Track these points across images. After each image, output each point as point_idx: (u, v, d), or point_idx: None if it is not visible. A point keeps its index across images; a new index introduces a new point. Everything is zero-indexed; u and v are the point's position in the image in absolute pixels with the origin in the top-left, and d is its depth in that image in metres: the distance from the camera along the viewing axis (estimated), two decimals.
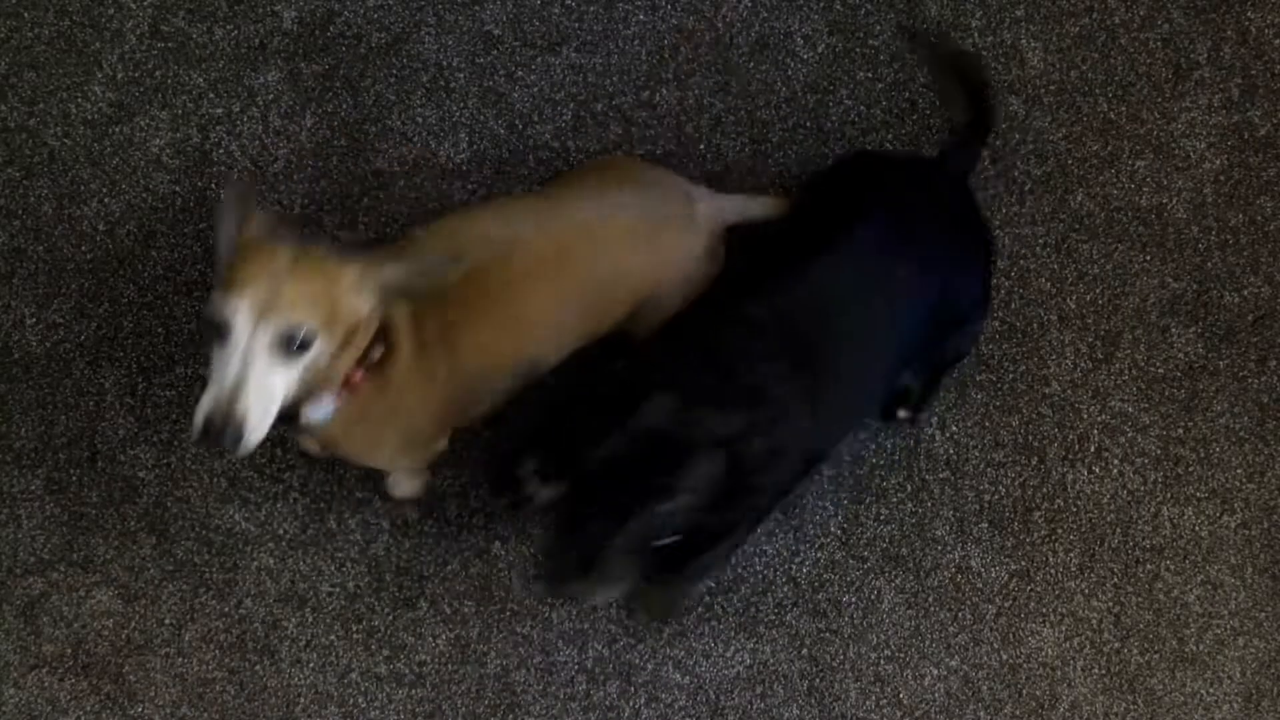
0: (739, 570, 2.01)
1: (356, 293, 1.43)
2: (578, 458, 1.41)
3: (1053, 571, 2.04)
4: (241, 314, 1.36)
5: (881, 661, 2.02)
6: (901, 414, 1.99)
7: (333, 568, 1.98)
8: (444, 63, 2.04)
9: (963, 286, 1.74)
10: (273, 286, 1.37)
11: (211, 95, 2.02)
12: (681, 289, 1.70)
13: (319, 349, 1.40)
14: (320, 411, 1.52)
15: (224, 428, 1.35)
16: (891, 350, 1.65)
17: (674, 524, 1.42)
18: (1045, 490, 2.05)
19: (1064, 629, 2.04)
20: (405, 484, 1.93)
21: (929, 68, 2.02)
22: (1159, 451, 2.06)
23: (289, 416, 1.48)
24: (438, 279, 1.45)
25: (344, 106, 2.02)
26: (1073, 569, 2.04)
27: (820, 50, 2.07)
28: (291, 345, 1.38)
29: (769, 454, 1.44)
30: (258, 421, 1.37)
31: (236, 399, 1.36)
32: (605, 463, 1.39)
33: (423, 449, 1.77)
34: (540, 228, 1.64)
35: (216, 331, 1.37)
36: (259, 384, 1.37)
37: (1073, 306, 2.06)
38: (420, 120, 2.02)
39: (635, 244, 1.67)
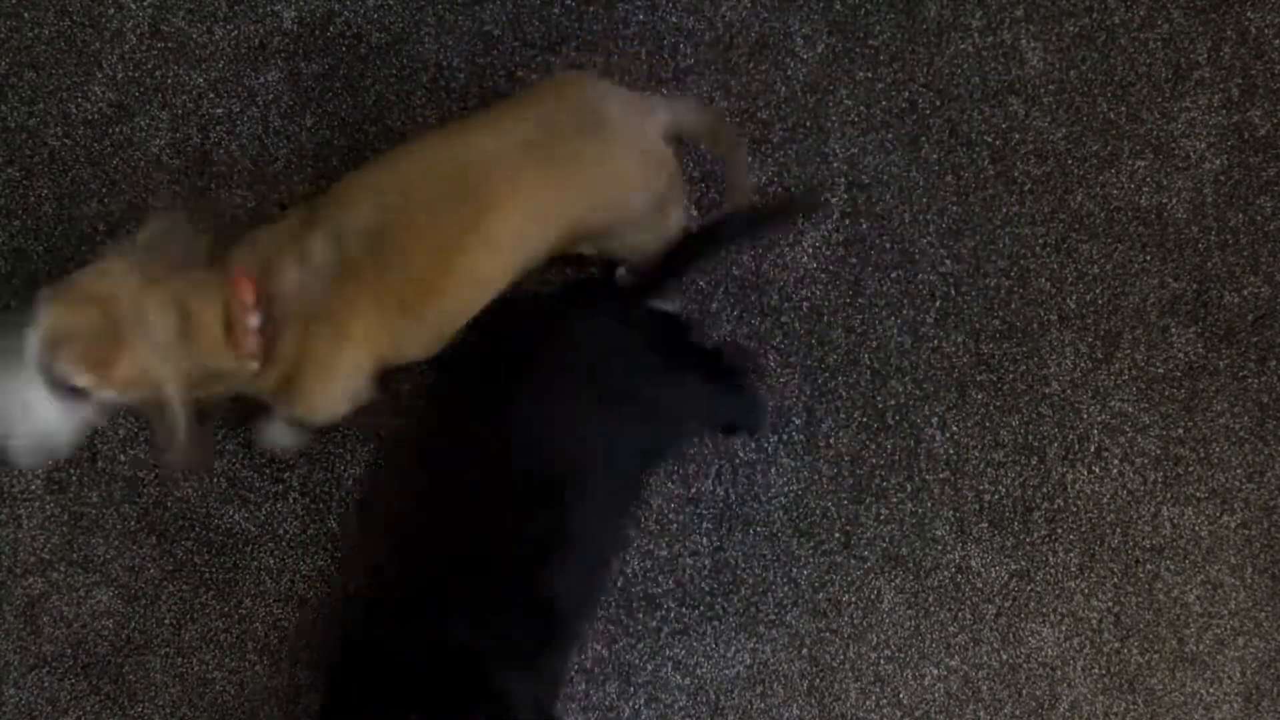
0: (739, 571, 2.01)
1: (146, 351, 1.44)
2: None
3: (1053, 571, 2.04)
4: (34, 341, 1.38)
5: (881, 661, 2.02)
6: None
7: (333, 568, 1.98)
8: (444, 63, 2.04)
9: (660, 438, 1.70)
10: (64, 327, 1.39)
11: (211, 95, 2.02)
12: (644, 200, 1.65)
13: (100, 398, 1.42)
14: (248, 381, 1.55)
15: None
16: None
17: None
18: (1045, 490, 2.05)
19: (1064, 629, 2.04)
20: (285, 436, 1.93)
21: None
22: (1159, 451, 2.06)
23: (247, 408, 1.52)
24: (190, 246, 1.49)
25: (344, 106, 2.02)
26: (1073, 569, 2.04)
27: (820, 50, 2.07)
28: (64, 391, 1.39)
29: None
30: (26, 449, 1.41)
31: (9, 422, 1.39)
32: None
33: (353, 397, 1.71)
34: (431, 168, 1.59)
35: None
36: (31, 411, 1.39)
37: (1073, 306, 2.06)
38: (420, 120, 2.02)
39: (539, 161, 1.59)
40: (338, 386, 1.63)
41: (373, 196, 1.57)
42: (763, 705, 2.01)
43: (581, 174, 1.61)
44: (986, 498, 2.04)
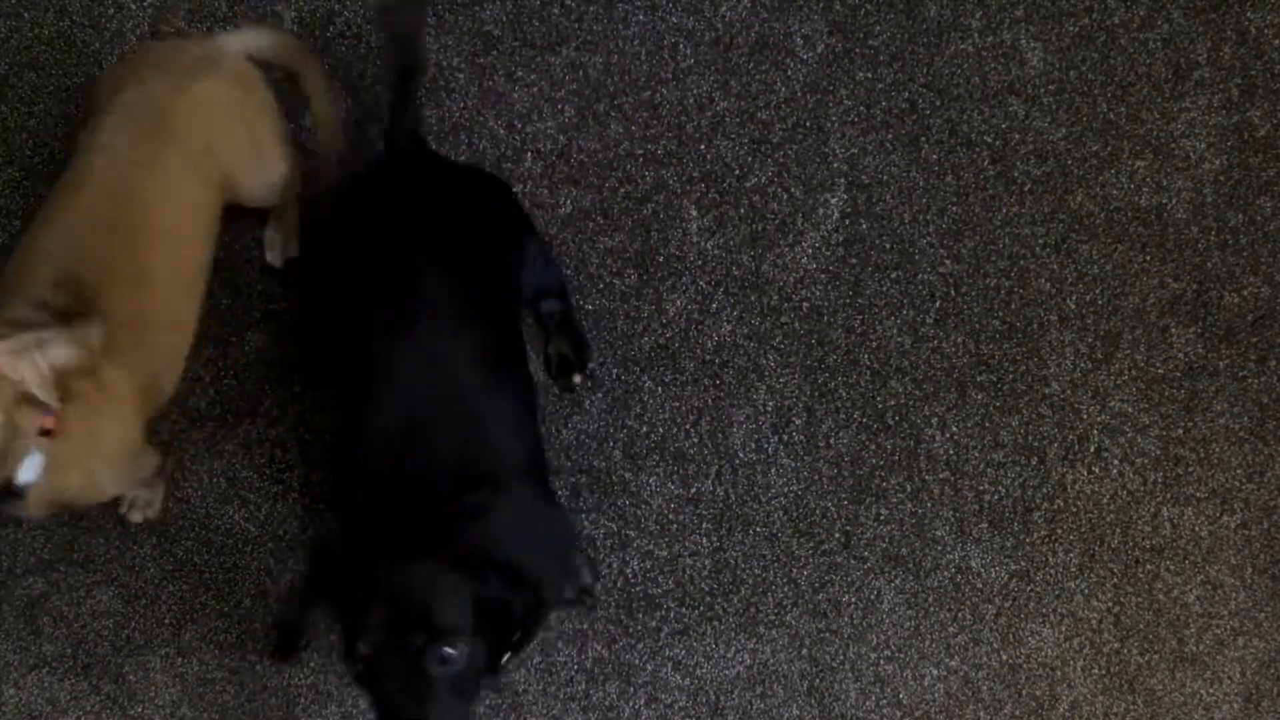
0: (739, 571, 2.01)
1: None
2: (351, 660, 1.43)
3: (1053, 571, 2.04)
4: None
5: (881, 661, 2.02)
6: (577, 379, 1.98)
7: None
8: (444, 63, 2.04)
9: (493, 245, 1.73)
10: None
11: None
12: (251, 135, 1.66)
13: None
14: (31, 471, 1.47)
15: None
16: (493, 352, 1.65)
17: (477, 665, 1.45)
18: (1045, 490, 2.05)
19: (1064, 629, 2.04)
20: (144, 500, 1.91)
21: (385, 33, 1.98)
22: (1159, 451, 2.06)
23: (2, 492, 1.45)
24: (90, 343, 1.44)
25: (344, 107, 2.02)
26: (1073, 569, 2.04)
27: (820, 50, 2.07)
28: None
29: (513, 572, 1.48)
30: None
31: None
32: (374, 654, 1.41)
33: (140, 457, 1.70)
34: (83, 212, 1.57)
35: None
36: None
37: (1073, 306, 2.06)
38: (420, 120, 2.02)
39: (157, 141, 1.59)
40: (116, 454, 1.60)
41: (45, 261, 1.54)
42: (763, 705, 2.01)
43: (199, 130, 1.60)
44: (986, 498, 2.04)
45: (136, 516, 1.93)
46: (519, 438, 1.64)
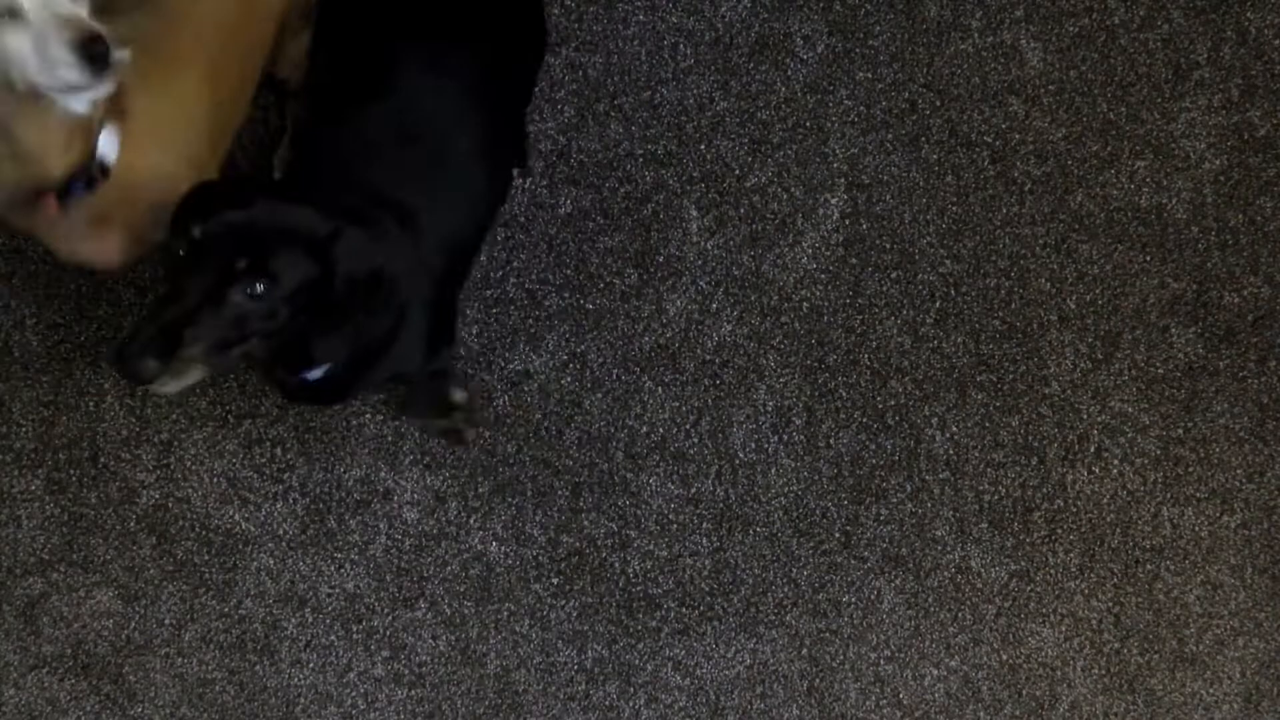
0: (739, 571, 2.01)
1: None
2: (171, 238, 1.41)
3: (1053, 571, 2.04)
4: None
5: (881, 661, 2.02)
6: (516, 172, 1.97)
7: (332, 568, 1.98)
8: None
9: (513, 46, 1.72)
10: None
11: None
12: None
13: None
14: (110, 146, 1.43)
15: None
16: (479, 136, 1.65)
17: (267, 324, 1.41)
18: (1045, 490, 2.05)
19: (1064, 629, 2.04)
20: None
21: None
22: (1159, 451, 2.06)
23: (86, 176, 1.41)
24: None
25: None
26: (1073, 569, 2.04)
27: (820, 50, 2.07)
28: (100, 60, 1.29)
29: (367, 273, 1.45)
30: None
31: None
32: (198, 244, 1.39)
33: (209, 155, 1.65)
34: None
35: None
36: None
37: (1073, 306, 2.06)
38: None
39: None
40: (184, 135, 1.56)
41: None
42: (763, 705, 2.01)
43: None
44: (986, 498, 2.04)
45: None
46: (469, 223, 1.64)
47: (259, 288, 1.37)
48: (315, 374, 1.55)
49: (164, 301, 1.39)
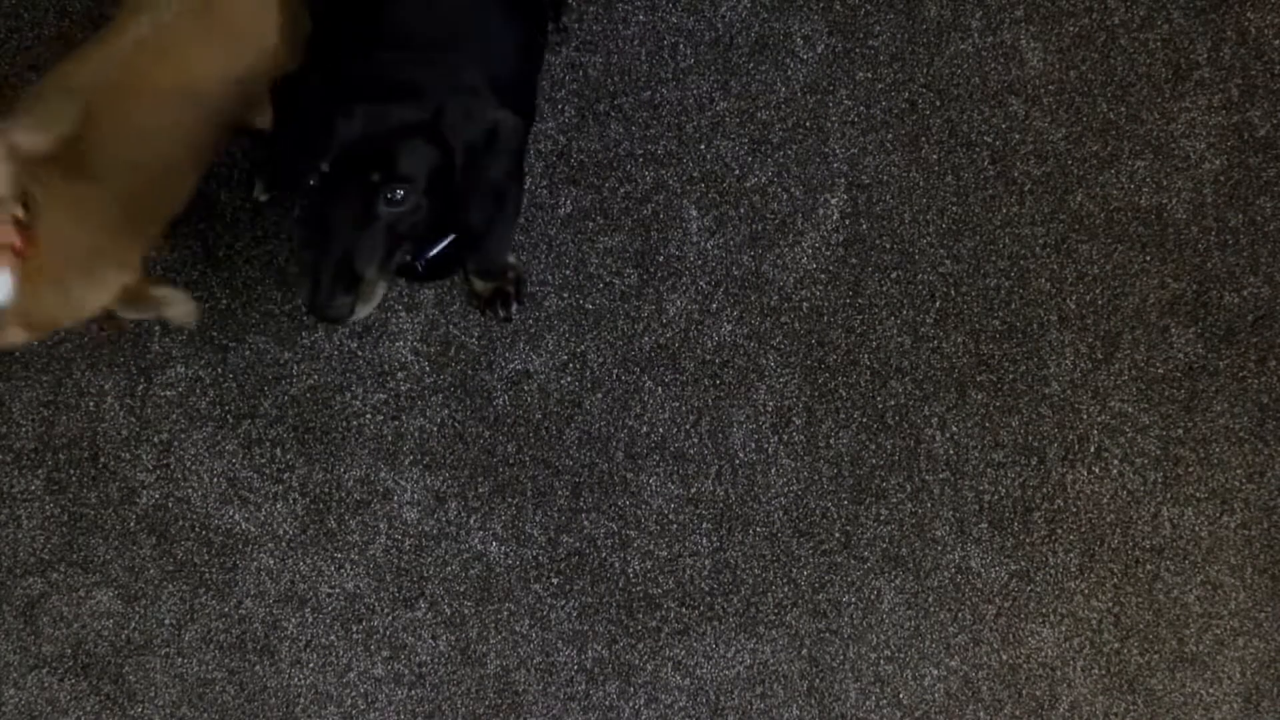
0: (739, 571, 2.01)
1: None
2: (296, 182, 1.44)
3: (1053, 571, 2.04)
4: None
5: (881, 661, 2.02)
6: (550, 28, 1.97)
7: (332, 568, 1.98)
8: None
9: None
10: None
11: None
12: (258, 45, 1.64)
13: None
14: (2, 291, 1.43)
15: None
16: None
17: (414, 219, 1.46)
18: (1045, 490, 2.05)
19: (1064, 629, 2.04)
20: (179, 308, 1.86)
21: None
22: (1159, 451, 2.06)
23: None
24: (66, 119, 1.44)
25: None
26: (1073, 569, 2.04)
27: (820, 50, 2.06)
28: None
29: (465, 119, 1.47)
30: None
31: None
32: (324, 181, 1.42)
33: (120, 270, 1.66)
34: (124, 34, 1.61)
35: None
36: None
37: (1073, 306, 2.06)
38: None
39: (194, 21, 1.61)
40: (90, 268, 1.58)
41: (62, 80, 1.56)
42: (763, 705, 2.01)
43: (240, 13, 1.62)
44: (986, 498, 2.04)
45: (180, 312, 1.88)
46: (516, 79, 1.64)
47: (398, 194, 1.42)
48: (435, 251, 1.58)
49: (316, 237, 1.43)
